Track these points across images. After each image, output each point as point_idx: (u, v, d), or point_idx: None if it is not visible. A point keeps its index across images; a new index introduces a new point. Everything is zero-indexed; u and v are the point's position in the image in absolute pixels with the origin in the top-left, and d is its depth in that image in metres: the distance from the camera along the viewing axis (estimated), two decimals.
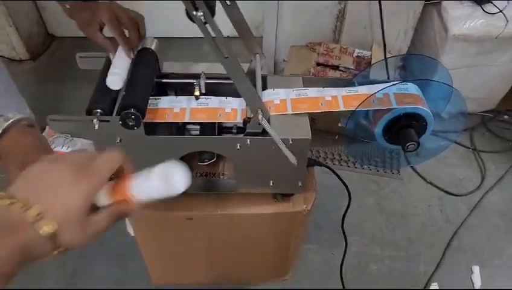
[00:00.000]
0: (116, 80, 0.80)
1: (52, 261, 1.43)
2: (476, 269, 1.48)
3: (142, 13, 0.88)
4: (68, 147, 1.65)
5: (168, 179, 0.47)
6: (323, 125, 1.80)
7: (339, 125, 1.82)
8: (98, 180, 0.46)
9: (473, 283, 1.45)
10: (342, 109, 0.88)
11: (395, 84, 0.91)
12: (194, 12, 0.62)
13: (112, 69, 0.81)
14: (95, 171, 0.46)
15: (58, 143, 1.64)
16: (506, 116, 1.99)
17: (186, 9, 0.62)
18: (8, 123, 0.65)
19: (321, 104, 0.88)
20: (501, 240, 1.58)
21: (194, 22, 0.63)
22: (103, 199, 0.48)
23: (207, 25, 0.64)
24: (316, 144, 1.86)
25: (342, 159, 1.81)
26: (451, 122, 1.35)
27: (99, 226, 0.46)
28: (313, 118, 0.88)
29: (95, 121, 0.75)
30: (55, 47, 2.33)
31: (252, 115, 0.79)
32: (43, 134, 1.61)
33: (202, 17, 0.62)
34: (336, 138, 1.84)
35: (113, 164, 0.49)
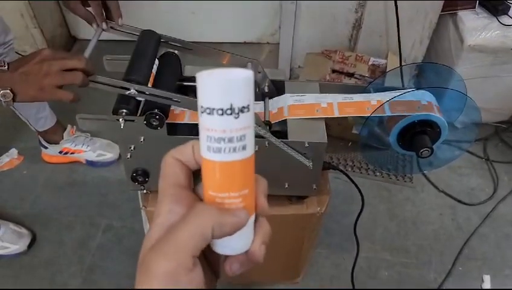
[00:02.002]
0: None
1: (70, 257, 1.47)
2: (487, 278, 1.49)
3: None
4: (88, 145, 1.69)
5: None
6: (336, 132, 1.82)
7: (353, 132, 1.85)
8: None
9: None
10: (337, 115, 0.90)
11: (410, 91, 0.93)
12: None
13: None
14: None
15: (79, 142, 1.69)
16: None
17: None
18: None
19: (316, 111, 0.90)
20: None
21: None
22: None
23: None
24: (329, 150, 1.88)
25: (354, 166, 1.83)
26: (464, 131, 1.36)
27: None
28: (326, 124, 0.91)
29: (121, 120, 0.79)
30: (77, 48, 2.39)
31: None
32: (65, 133, 1.66)
33: None
34: (349, 144, 1.86)
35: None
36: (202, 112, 0.32)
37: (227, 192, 0.35)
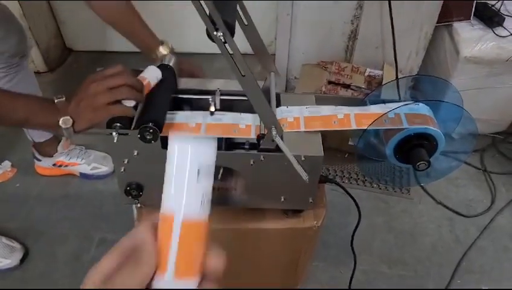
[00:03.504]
0: None
1: (63, 271, 1.45)
2: None
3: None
4: (82, 158, 1.68)
5: None
6: (334, 144, 1.81)
7: (349, 143, 1.85)
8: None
9: None
10: (354, 127, 0.89)
11: (406, 104, 0.92)
12: (215, 33, 0.64)
13: None
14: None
15: (73, 155, 1.67)
16: None
17: (206, 29, 0.65)
18: None
19: (334, 122, 0.89)
20: (510, 261, 1.57)
21: (213, 41, 0.66)
22: None
23: (226, 45, 0.66)
24: (326, 162, 1.86)
25: (351, 177, 1.82)
26: (461, 142, 1.36)
27: None
28: (323, 134, 0.90)
29: (114, 134, 0.78)
30: (72, 60, 2.38)
31: (265, 132, 0.81)
32: (59, 146, 1.64)
33: (222, 37, 0.65)
34: (346, 156, 1.85)
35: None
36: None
37: None
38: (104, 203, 1.64)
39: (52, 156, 1.66)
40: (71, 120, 0.76)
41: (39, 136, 1.60)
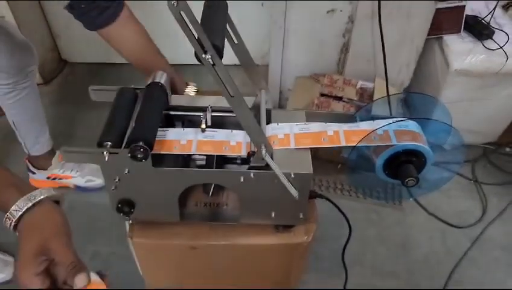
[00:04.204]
0: None
1: None
2: None
3: None
4: (77, 171, 1.68)
5: None
6: (326, 155, 1.82)
7: (342, 155, 1.86)
8: None
9: None
10: (344, 144, 0.91)
11: (395, 121, 0.94)
12: (203, 55, 0.65)
13: None
14: None
15: (67, 168, 1.68)
16: (508, 149, 2.02)
17: (195, 52, 0.66)
18: (38, 199, 0.65)
19: (323, 139, 0.91)
20: (502, 273, 1.58)
21: (202, 63, 0.67)
22: None
23: (215, 68, 0.68)
24: (318, 173, 1.88)
25: (343, 189, 1.83)
26: (453, 153, 1.37)
27: None
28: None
29: (105, 153, 0.78)
30: (67, 72, 2.39)
31: (256, 150, 0.82)
32: (53, 159, 1.65)
33: (210, 60, 0.66)
34: (338, 167, 1.86)
35: None
36: None
37: None
38: (98, 216, 1.64)
39: (47, 169, 1.66)
40: None
41: (36, 149, 1.60)
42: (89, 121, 1.99)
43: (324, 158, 1.84)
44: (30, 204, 0.64)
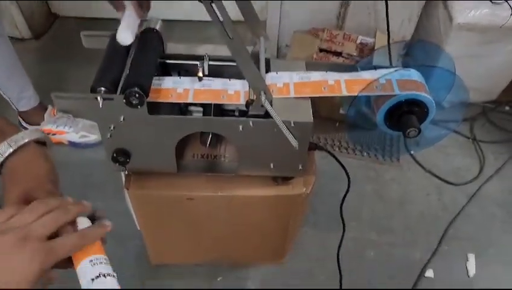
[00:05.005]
0: (127, 36, 0.80)
1: None
2: (472, 257, 1.50)
3: None
4: (70, 126, 1.65)
5: None
6: (324, 112, 1.80)
7: (340, 112, 1.83)
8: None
9: (467, 271, 1.47)
10: (345, 93, 0.88)
11: (397, 70, 0.91)
12: None
13: (122, 25, 0.81)
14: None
15: (61, 123, 1.65)
16: (507, 108, 2.00)
17: None
18: (20, 143, 0.62)
19: (324, 88, 0.88)
20: (497, 229, 1.59)
21: (201, 1, 0.63)
22: None
23: (214, 6, 0.64)
24: (317, 131, 1.86)
25: (341, 146, 1.82)
26: (452, 111, 1.35)
27: None
28: (314, 103, 0.89)
29: (99, 98, 0.76)
30: (57, 26, 2.32)
31: (254, 97, 0.80)
32: (46, 114, 1.61)
33: None
34: (337, 125, 1.84)
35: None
36: None
37: None
38: (93, 171, 1.62)
39: (39, 125, 1.63)
40: None
41: (23, 105, 1.57)
42: (81, 77, 1.93)
43: (323, 116, 1.82)
44: (11, 150, 0.61)
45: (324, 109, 1.78)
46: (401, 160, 1.77)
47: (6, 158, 0.61)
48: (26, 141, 0.63)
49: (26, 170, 0.61)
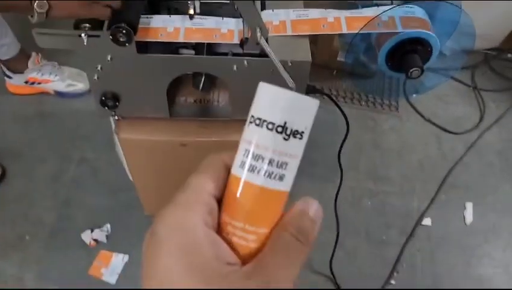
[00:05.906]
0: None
1: (43, 191, 1.42)
2: (469, 205, 1.49)
3: None
4: (56, 75, 1.58)
5: None
6: (322, 60, 1.74)
7: (338, 59, 1.77)
8: None
9: (464, 219, 1.47)
10: (345, 31, 0.83)
11: (401, 6, 0.86)
12: None
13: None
14: None
15: (46, 71, 1.58)
16: (510, 55, 1.95)
17: None
18: None
19: (323, 26, 0.83)
20: (496, 178, 1.58)
21: None
22: None
23: None
24: (314, 79, 1.80)
25: (339, 95, 1.77)
26: (453, 58, 1.30)
27: None
28: (312, 51, 0.84)
29: (83, 35, 0.71)
30: None
31: (249, 35, 0.75)
32: (29, 61, 1.54)
33: None
34: (334, 73, 1.79)
35: None
36: (250, 122, 0.30)
37: (242, 222, 0.30)
38: (81, 122, 1.57)
39: (23, 73, 1.56)
40: (47, 5, 0.67)
41: (4, 52, 1.49)
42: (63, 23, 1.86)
43: (320, 64, 1.76)
44: None
45: (321, 57, 1.72)
46: (400, 110, 1.73)
47: None
48: None
49: None
